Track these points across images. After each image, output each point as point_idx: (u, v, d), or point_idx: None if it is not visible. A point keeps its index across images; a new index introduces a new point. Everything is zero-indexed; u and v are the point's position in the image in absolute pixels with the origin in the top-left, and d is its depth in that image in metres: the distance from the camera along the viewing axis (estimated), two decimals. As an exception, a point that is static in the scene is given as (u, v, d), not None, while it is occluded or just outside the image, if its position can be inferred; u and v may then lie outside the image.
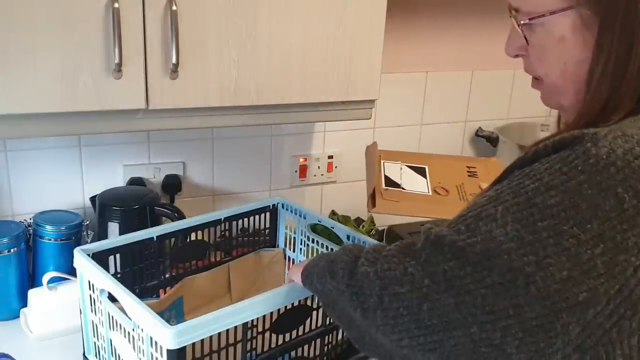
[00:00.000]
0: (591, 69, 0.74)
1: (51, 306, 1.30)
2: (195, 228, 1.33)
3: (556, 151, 0.70)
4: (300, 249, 1.44)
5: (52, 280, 1.31)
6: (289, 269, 1.48)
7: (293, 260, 1.47)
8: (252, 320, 1.03)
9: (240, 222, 1.41)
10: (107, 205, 1.44)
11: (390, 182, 1.24)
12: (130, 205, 1.44)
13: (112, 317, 1.06)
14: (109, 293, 1.06)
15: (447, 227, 0.73)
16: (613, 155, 0.65)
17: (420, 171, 1.29)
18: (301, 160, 1.78)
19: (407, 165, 1.30)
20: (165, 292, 1.28)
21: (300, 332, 1.13)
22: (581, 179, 0.65)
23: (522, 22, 0.80)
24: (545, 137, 0.95)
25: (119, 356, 1.08)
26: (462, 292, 0.68)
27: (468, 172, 1.32)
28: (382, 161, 1.29)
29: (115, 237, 1.24)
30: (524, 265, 0.65)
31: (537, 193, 0.67)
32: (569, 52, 0.77)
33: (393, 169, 1.28)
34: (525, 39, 0.81)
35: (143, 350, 0.98)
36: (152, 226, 1.40)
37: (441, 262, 0.70)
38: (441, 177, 1.29)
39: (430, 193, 1.24)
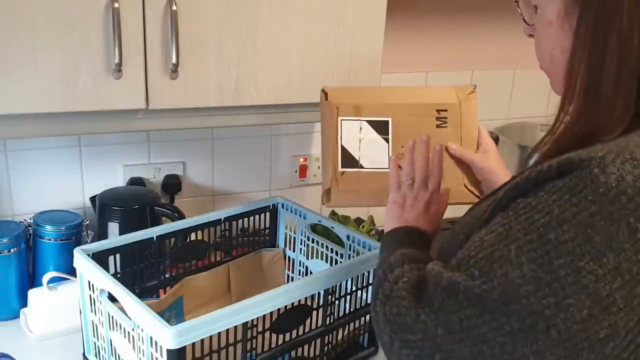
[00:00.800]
0: (571, 58, 0.74)
1: (51, 306, 1.30)
2: (195, 228, 1.33)
3: (561, 174, 0.67)
4: (300, 249, 1.44)
5: (52, 280, 1.30)
6: (289, 269, 1.48)
7: (293, 260, 1.47)
8: (252, 320, 1.03)
9: (240, 222, 1.41)
10: (107, 205, 1.44)
11: (347, 159, 1.11)
12: (130, 205, 1.44)
13: (112, 317, 1.06)
14: (109, 293, 1.06)
15: (457, 269, 0.70)
16: (623, 183, 0.64)
17: (383, 128, 1.13)
18: (301, 160, 1.78)
19: (367, 121, 1.12)
20: (165, 292, 1.28)
21: (300, 332, 1.13)
22: (592, 210, 0.64)
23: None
24: (544, 136, 0.94)
25: (119, 356, 1.08)
26: (478, 341, 0.65)
27: (437, 119, 1.15)
28: (339, 119, 1.12)
29: (115, 237, 1.24)
30: (543, 308, 0.63)
31: (550, 228, 0.65)
32: (556, 38, 0.76)
33: (352, 132, 1.12)
34: (523, 18, 0.82)
35: (143, 350, 0.98)
36: (152, 226, 1.40)
37: (456, 311, 0.67)
38: (406, 133, 1.12)
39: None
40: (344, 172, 1.11)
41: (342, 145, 1.11)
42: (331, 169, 1.11)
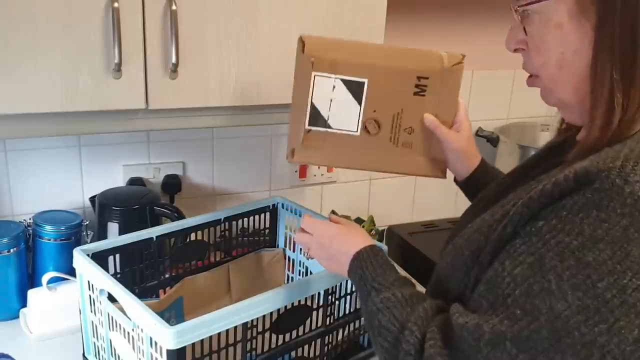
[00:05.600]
0: (596, 54, 0.70)
1: (51, 306, 1.30)
2: (195, 228, 1.33)
3: (579, 185, 0.65)
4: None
5: (52, 280, 1.30)
6: (289, 269, 1.48)
7: (293, 260, 1.47)
8: (252, 320, 1.03)
9: (240, 222, 1.41)
10: (107, 205, 1.44)
11: (315, 117, 1.06)
12: (130, 205, 1.44)
13: (112, 317, 1.06)
14: (109, 293, 1.06)
15: (494, 313, 0.67)
16: None
17: (357, 89, 1.06)
18: (301, 160, 1.78)
19: (342, 80, 1.05)
20: (165, 292, 1.28)
21: (300, 332, 1.13)
22: (624, 224, 0.62)
23: (519, 7, 0.77)
24: (554, 139, 0.91)
25: (118, 356, 1.08)
26: None
27: (416, 86, 1.07)
28: (313, 74, 1.05)
29: (115, 237, 1.23)
30: (596, 336, 0.62)
31: (585, 250, 0.63)
32: (566, 40, 0.73)
33: (324, 89, 1.05)
34: (524, 28, 0.78)
35: (143, 351, 0.98)
36: (152, 226, 1.40)
37: None
38: (380, 97, 1.07)
39: (358, 132, 1.07)
40: (310, 129, 1.06)
41: (312, 103, 1.06)
42: (299, 125, 1.06)
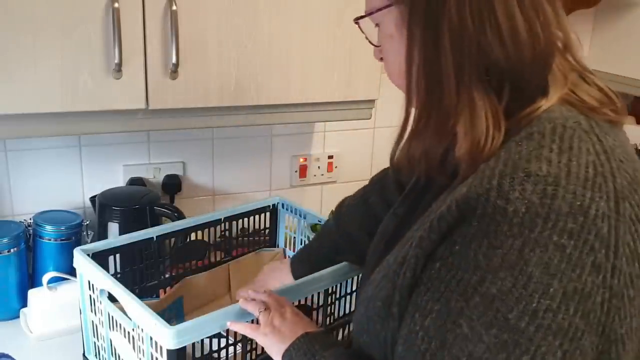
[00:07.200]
0: (406, 58, 0.70)
1: (51, 306, 1.30)
2: (195, 228, 1.33)
3: (463, 215, 0.62)
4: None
5: (52, 280, 1.30)
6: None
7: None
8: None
9: (240, 222, 1.41)
10: (107, 205, 1.44)
11: None
12: (130, 205, 1.44)
13: (112, 317, 1.06)
14: (109, 293, 1.06)
15: None
16: (532, 207, 0.59)
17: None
18: (301, 160, 1.78)
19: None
20: (165, 292, 1.28)
21: (300, 332, 1.13)
22: (517, 246, 0.59)
23: (356, 21, 0.78)
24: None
25: (119, 356, 1.08)
26: None
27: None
28: None
29: (115, 237, 1.24)
30: None
31: (487, 283, 0.60)
32: (398, 50, 0.72)
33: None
34: (368, 40, 0.78)
35: (143, 350, 0.98)
36: (152, 226, 1.40)
37: None
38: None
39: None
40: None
41: None
42: None
